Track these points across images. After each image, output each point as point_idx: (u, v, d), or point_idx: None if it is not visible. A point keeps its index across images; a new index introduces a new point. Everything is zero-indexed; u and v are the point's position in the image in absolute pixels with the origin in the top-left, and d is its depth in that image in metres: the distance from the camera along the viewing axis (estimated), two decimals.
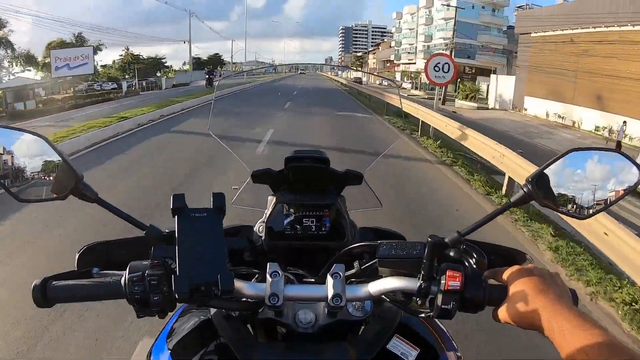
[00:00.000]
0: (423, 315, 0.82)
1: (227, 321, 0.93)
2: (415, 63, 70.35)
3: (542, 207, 0.86)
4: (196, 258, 0.77)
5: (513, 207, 0.88)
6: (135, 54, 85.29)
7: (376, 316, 0.95)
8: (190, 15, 63.68)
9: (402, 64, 78.02)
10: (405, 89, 63.53)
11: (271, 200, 1.11)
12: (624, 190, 0.84)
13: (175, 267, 0.76)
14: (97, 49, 67.10)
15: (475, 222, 0.86)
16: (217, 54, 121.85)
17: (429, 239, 0.79)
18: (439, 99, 16.39)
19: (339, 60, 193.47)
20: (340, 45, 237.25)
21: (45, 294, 0.79)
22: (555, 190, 0.85)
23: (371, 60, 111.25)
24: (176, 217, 0.81)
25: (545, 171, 0.84)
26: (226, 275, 0.76)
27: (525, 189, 0.84)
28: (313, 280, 0.99)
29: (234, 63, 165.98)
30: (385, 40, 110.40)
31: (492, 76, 40.80)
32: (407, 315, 0.95)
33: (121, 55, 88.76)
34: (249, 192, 1.27)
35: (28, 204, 0.91)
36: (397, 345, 0.91)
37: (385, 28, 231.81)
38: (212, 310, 0.97)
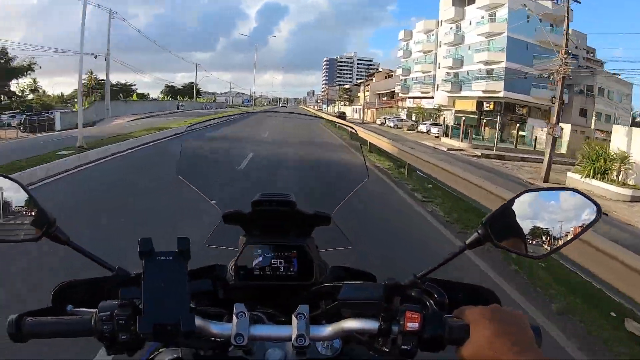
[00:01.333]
0: (389, 357, 0.83)
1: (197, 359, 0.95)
2: (432, 97, 52.03)
3: (496, 247, 0.87)
4: (160, 299, 0.80)
5: (468, 249, 0.89)
6: (100, 78, 73.97)
7: (345, 355, 0.97)
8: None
9: (412, 97, 59.58)
10: (423, 133, 44.55)
11: (242, 240, 1.13)
12: (581, 227, 0.86)
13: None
14: (27, 69, 51.62)
15: (431, 266, 0.89)
16: (192, 82, 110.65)
17: (386, 282, 0.83)
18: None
19: (322, 94, 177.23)
20: (325, 77, 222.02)
21: (20, 329, 0.82)
22: (510, 232, 0.87)
23: (362, 94, 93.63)
24: (143, 259, 0.83)
25: (500, 213, 0.87)
26: (187, 316, 0.78)
27: (479, 232, 0.86)
28: (283, 319, 0.99)
29: (210, 93, 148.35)
30: (380, 70, 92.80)
31: (616, 127, 22.46)
32: (374, 355, 0.95)
33: (85, 80, 78.82)
34: (224, 230, 1.23)
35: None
36: None
37: (371, 61, 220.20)
38: (183, 349, 0.96)
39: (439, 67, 50.93)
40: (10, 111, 45.36)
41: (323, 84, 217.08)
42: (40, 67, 51.26)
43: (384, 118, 58.98)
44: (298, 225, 1.15)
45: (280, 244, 1.11)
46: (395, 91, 66.22)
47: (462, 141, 33.52)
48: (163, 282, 0.81)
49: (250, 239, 1.12)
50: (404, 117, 58.76)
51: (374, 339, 0.84)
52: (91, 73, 76.23)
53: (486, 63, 40.84)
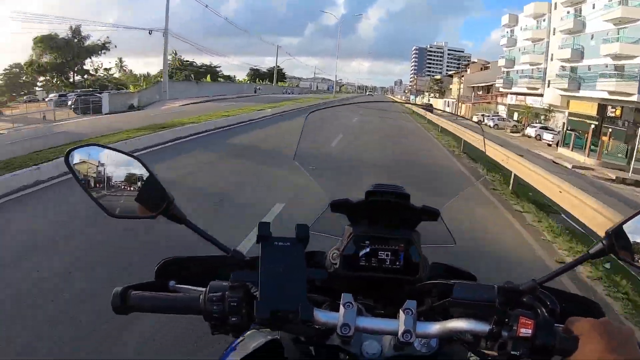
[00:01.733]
0: (490, 358, 0.84)
1: (295, 344, 0.95)
2: (541, 95, 44.99)
3: (618, 260, 0.87)
4: (277, 285, 0.81)
5: (590, 259, 0.90)
6: (185, 59, 79.35)
7: (443, 354, 0.94)
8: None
9: (515, 93, 52.23)
10: (531, 138, 38.52)
11: (348, 230, 1.12)
12: None
13: (255, 291, 0.82)
14: (103, 47, 52.27)
15: (552, 271, 0.89)
16: (279, 66, 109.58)
17: (505, 284, 0.82)
18: None
19: (410, 84, 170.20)
20: (413, 67, 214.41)
21: (125, 302, 0.85)
22: (630, 245, 0.86)
23: (455, 86, 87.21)
24: (261, 244, 0.86)
25: (625, 225, 0.86)
26: (306, 305, 0.79)
27: (603, 242, 0.86)
28: (382, 312, 1.00)
29: (296, 78, 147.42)
30: (475, 61, 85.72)
31: None
32: (473, 356, 0.96)
33: (169, 61, 79.85)
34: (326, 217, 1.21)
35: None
36: None
37: (462, 51, 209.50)
38: (281, 332, 0.98)
39: (551, 59, 43.69)
40: (79, 90, 44.77)
41: (411, 74, 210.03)
42: (116, 46, 50.74)
43: (482, 115, 52.72)
44: (406, 218, 1.13)
45: (389, 236, 1.09)
46: (496, 85, 58.67)
47: (587, 155, 27.17)
48: (280, 268, 0.83)
49: (358, 229, 1.10)
50: (504, 115, 52.61)
51: (478, 341, 0.84)
52: (175, 54, 77.96)
53: (615, 57, 32.77)
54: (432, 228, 1.19)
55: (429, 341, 0.92)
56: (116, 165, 0.94)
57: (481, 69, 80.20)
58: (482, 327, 0.80)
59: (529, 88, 47.75)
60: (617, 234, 0.85)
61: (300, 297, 0.80)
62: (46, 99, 35.96)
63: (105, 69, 57.17)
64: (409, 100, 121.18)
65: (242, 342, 1.02)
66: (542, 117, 43.78)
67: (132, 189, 0.93)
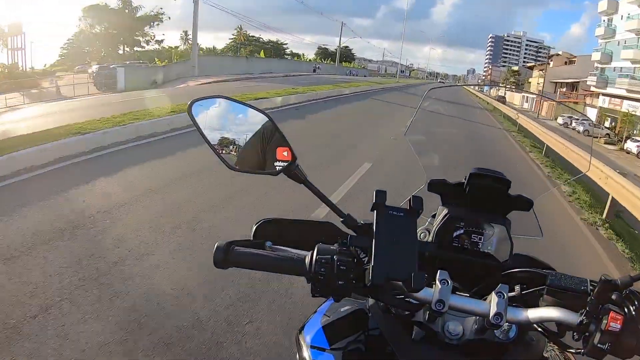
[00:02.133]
0: (573, 351, 0.85)
1: (385, 316, 0.98)
2: None
3: None
4: (391, 254, 0.82)
5: None
6: (250, 34, 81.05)
7: (521, 343, 0.95)
8: None
9: (609, 95, 45.67)
10: (630, 153, 32.92)
11: (442, 210, 1.15)
12: None
13: (364, 257, 0.86)
14: (154, 18, 50.08)
15: None
16: (347, 46, 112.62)
17: (602, 277, 0.81)
18: None
19: (484, 74, 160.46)
20: (488, 56, 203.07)
21: (227, 256, 0.88)
22: None
23: (534, 80, 79.74)
24: (375, 212, 0.87)
25: None
26: (418, 276, 0.80)
27: None
28: (467, 295, 0.97)
29: (365, 59, 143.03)
30: (560, 53, 77.46)
31: None
32: (550, 348, 1.00)
33: (233, 35, 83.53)
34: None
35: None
36: None
37: (541, 42, 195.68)
38: (370, 302, 1.02)
39: None
40: (130, 61, 42.79)
41: (486, 63, 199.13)
42: (169, 18, 48.07)
43: (569, 117, 46.63)
44: (500, 205, 1.13)
45: (483, 220, 1.11)
46: (588, 82, 51.31)
47: None
48: (394, 237, 0.84)
49: (454, 210, 1.13)
50: (592, 119, 46.17)
51: (563, 332, 0.86)
52: (240, 29, 79.81)
53: None
54: (523, 218, 1.19)
55: (509, 330, 0.93)
56: (241, 119, 0.95)
57: (566, 62, 72.82)
58: (572, 317, 0.81)
59: (629, 91, 41.10)
60: None
61: (412, 267, 0.81)
62: (89, 71, 33.78)
63: (157, 41, 54.77)
64: (482, 91, 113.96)
65: (331, 308, 1.07)
66: None
67: (256, 143, 0.94)
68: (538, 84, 76.55)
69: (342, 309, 1.07)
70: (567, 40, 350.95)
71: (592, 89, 49.94)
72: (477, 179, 1.11)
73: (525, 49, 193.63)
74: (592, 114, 48.50)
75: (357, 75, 78.82)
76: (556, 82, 68.17)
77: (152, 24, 46.30)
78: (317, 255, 0.83)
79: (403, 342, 0.93)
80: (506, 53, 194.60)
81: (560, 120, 47.60)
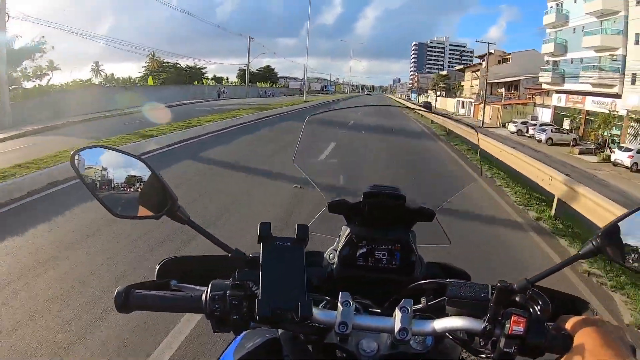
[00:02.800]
0: (484, 356, 0.85)
1: (294, 342, 0.98)
2: (618, 95, 29.88)
3: (607, 260, 0.89)
4: (278, 284, 0.84)
5: (581, 259, 0.89)
6: (165, 61, 78.29)
7: (437, 352, 0.96)
8: None
9: (565, 92, 37.22)
10: (619, 165, 24.47)
11: (345, 230, 1.15)
12: None
13: (256, 290, 0.85)
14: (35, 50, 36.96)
15: (543, 270, 0.88)
16: (269, 66, 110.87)
17: (498, 283, 0.82)
18: None
19: (410, 82, 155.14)
20: (413, 64, 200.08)
21: (128, 301, 0.86)
22: (625, 246, 0.86)
23: (467, 82, 72.32)
24: (261, 244, 0.88)
25: (616, 226, 0.87)
26: (305, 303, 0.81)
27: (593, 243, 0.86)
28: (379, 310, 0.99)
29: (290, 78, 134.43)
30: (493, 52, 70.21)
31: None
32: (466, 354, 1.00)
33: (147, 63, 79.96)
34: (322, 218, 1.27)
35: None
36: None
37: (464, 46, 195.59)
38: (280, 330, 1.01)
39: (635, 42, 28.93)
40: None
41: (411, 72, 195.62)
42: (53, 47, 36.04)
43: (523, 123, 37.94)
44: (401, 219, 1.15)
45: (385, 237, 1.12)
46: (541, 79, 42.43)
47: None
48: (281, 268, 0.86)
49: (355, 229, 1.13)
50: (545, 121, 37.72)
51: (472, 339, 0.87)
52: (153, 55, 75.89)
53: None
54: (429, 228, 1.21)
55: (425, 339, 0.94)
56: (121, 166, 0.95)
57: (499, 61, 65.72)
58: (476, 325, 0.82)
59: (595, 85, 32.32)
60: (608, 234, 0.85)
61: (300, 296, 0.82)
62: None
63: (38, 75, 41.65)
64: (410, 99, 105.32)
65: (242, 341, 1.04)
66: (627, 127, 28.45)
67: (136, 189, 0.95)
68: (472, 86, 69.06)
69: (254, 340, 1.03)
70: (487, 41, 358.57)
71: (545, 86, 41.42)
72: (372, 197, 1.12)
73: (450, 54, 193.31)
74: (546, 115, 40.15)
75: (272, 96, 71.70)
76: (492, 83, 60.72)
77: (32, 56, 33.81)
78: (210, 292, 0.83)
79: None
80: (430, 59, 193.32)
81: (512, 127, 38.57)
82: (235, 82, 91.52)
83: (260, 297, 0.81)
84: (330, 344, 0.92)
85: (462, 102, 65.90)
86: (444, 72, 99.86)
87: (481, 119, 48.53)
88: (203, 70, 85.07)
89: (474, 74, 68.81)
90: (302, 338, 0.96)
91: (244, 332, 1.03)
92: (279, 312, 0.80)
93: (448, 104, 72.72)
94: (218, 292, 0.83)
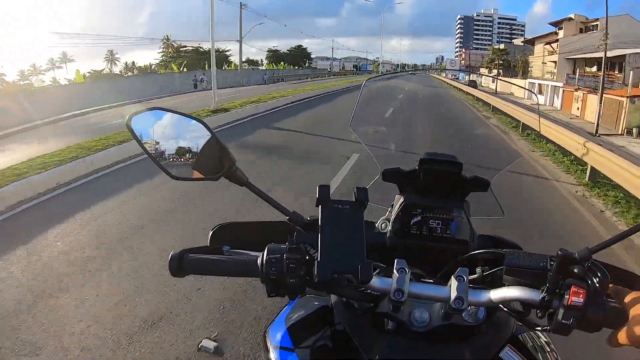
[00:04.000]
0: (539, 328, 0.84)
1: (347, 310, 0.98)
2: None
3: None
4: (337, 247, 0.83)
5: None
6: (181, 45, 75.32)
7: (489, 324, 0.95)
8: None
9: None
10: None
11: (398, 199, 1.14)
12: None
13: (314, 253, 0.84)
14: None
15: (605, 240, 0.86)
16: (300, 46, 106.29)
17: (559, 252, 0.81)
18: None
19: (458, 58, 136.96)
20: (459, 40, 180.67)
21: (182, 264, 0.88)
22: None
23: (537, 59, 55.56)
24: (320, 207, 0.88)
25: None
26: (366, 266, 0.81)
27: None
28: (432, 281, 0.99)
29: (328, 58, 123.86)
30: (573, 17, 52.97)
31: None
32: (519, 327, 0.99)
33: (161, 49, 77.03)
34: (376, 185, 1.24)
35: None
36: (510, 355, 0.94)
37: (514, 19, 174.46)
38: (333, 298, 1.02)
39: None
40: None
41: (457, 49, 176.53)
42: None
43: None
44: (456, 188, 1.13)
45: (440, 205, 1.10)
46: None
47: None
48: (340, 231, 0.85)
49: (409, 197, 1.11)
50: None
51: (528, 311, 0.85)
52: (167, 39, 73.92)
53: None
54: (482, 199, 1.20)
55: (477, 311, 0.93)
56: (179, 128, 0.96)
57: (581, 30, 49.12)
58: (534, 295, 0.81)
59: None
60: None
61: (359, 259, 0.81)
62: None
63: None
64: (457, 78, 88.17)
65: (294, 307, 1.06)
66: None
67: (195, 150, 0.95)
68: (544, 63, 52.61)
69: (306, 307, 1.05)
70: (532, 18, 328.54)
71: None
72: (428, 164, 1.10)
73: (498, 28, 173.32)
74: None
75: (282, 81, 57.22)
76: (575, 59, 44.43)
77: None
78: (267, 255, 0.83)
79: (367, 335, 0.92)
80: (477, 35, 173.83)
81: None
82: (268, 66, 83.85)
83: (319, 260, 0.80)
84: (383, 313, 0.92)
85: (539, 85, 48.65)
86: (502, 46, 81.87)
87: (575, 114, 32.65)
88: (227, 53, 79.51)
89: (547, 46, 52.18)
90: (356, 306, 0.96)
91: (297, 299, 1.03)
92: (338, 275, 0.80)
93: (514, 88, 56.12)
94: (275, 255, 0.82)
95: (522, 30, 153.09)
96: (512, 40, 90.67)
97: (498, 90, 51.15)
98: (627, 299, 0.77)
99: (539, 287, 0.81)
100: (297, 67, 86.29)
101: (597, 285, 0.77)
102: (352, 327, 0.94)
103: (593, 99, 32.10)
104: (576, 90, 36.23)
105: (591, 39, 43.94)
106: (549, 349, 1.03)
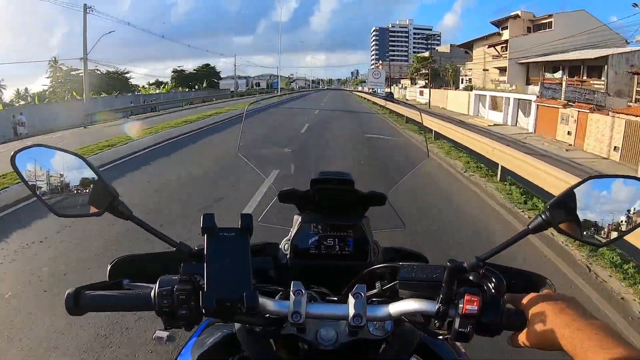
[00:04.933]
0: (441, 337, 0.85)
1: (251, 336, 0.97)
2: None
3: (558, 233, 0.87)
4: (223, 275, 0.83)
5: (531, 234, 0.88)
6: (72, 68, 64.05)
7: (396, 336, 0.97)
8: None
9: None
10: None
11: (297, 219, 1.15)
12: None
13: (203, 283, 0.83)
14: None
15: (494, 248, 0.87)
16: (208, 64, 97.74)
17: (448, 263, 0.82)
18: None
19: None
20: (374, 52, 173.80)
21: (78, 303, 0.85)
22: (573, 217, 0.86)
23: (475, 64, 44.71)
24: (205, 235, 0.87)
25: (564, 198, 0.86)
26: (251, 293, 0.81)
27: (542, 216, 0.86)
28: (336, 298, 1.01)
29: (240, 77, 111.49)
30: (520, 14, 42.33)
31: None
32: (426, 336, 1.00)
33: (50, 73, 67.31)
34: (276, 208, 1.26)
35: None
36: None
37: (430, 29, 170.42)
38: (237, 325, 1.01)
39: None
40: None
41: (372, 62, 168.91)
42: None
43: None
44: (353, 204, 1.15)
45: (337, 223, 1.11)
46: None
47: None
48: (226, 259, 0.84)
49: (306, 217, 1.13)
50: None
51: (428, 321, 0.86)
52: (55, 62, 65.73)
53: None
54: (385, 212, 1.20)
55: (384, 324, 0.94)
56: (61, 165, 0.94)
57: (529, 29, 39.31)
58: (430, 306, 0.82)
59: None
60: (557, 207, 0.84)
61: (245, 286, 0.81)
62: None
63: None
64: (375, 92, 75.98)
65: (200, 338, 1.05)
66: None
67: (78, 187, 0.94)
68: (486, 70, 41.86)
69: (213, 336, 1.04)
70: (444, 29, 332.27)
71: None
72: (320, 183, 1.11)
73: (414, 40, 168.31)
74: None
75: (154, 110, 42.87)
76: (527, 64, 34.35)
77: None
78: (158, 288, 0.82)
79: None
80: (394, 46, 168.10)
81: None
82: (169, 87, 75.33)
83: (205, 290, 0.80)
84: (289, 335, 0.92)
85: (491, 98, 36.27)
86: (425, 54, 70.98)
87: (565, 141, 21.48)
88: (126, 76, 73.46)
89: (489, 50, 41.48)
90: (259, 331, 0.95)
91: (201, 329, 1.04)
92: (225, 303, 0.79)
93: (453, 102, 44.03)
94: (166, 288, 0.81)
95: (437, 40, 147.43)
96: (436, 48, 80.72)
97: (433, 105, 39.35)
98: (524, 301, 0.78)
99: (435, 297, 0.82)
100: (198, 89, 74.28)
101: (493, 290, 0.79)
102: (256, 353, 0.93)
103: (601, 122, 20.59)
104: (564, 106, 24.51)
105: (545, 38, 34.22)
106: (458, 353, 1.04)
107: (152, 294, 0.83)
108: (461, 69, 53.67)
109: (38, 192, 0.93)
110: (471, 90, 41.04)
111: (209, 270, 0.82)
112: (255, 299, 0.80)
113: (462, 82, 51.71)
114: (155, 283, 0.83)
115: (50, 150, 0.95)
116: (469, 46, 48.36)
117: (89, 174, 0.93)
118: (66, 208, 0.93)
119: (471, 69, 47.18)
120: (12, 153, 0.92)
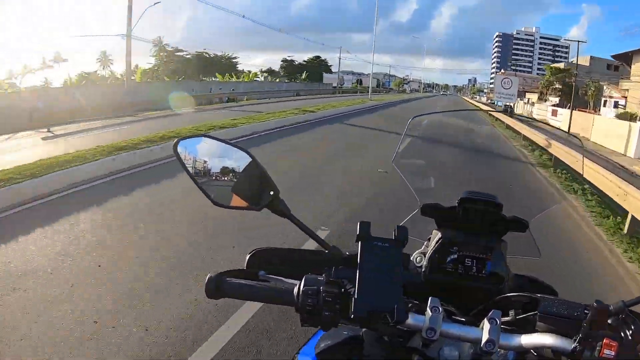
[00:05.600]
0: None
1: (378, 343, 0.97)
2: None
3: None
4: (375, 285, 0.84)
5: None
6: (177, 49, 67.41)
7: None
8: None
9: None
10: None
11: (436, 234, 1.14)
12: None
13: (350, 289, 0.85)
14: None
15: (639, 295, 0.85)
16: (319, 56, 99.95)
17: (594, 303, 0.80)
18: None
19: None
20: (495, 60, 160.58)
21: (219, 287, 0.88)
22: None
23: (637, 83, 34.50)
24: (360, 243, 0.88)
25: None
26: (402, 307, 0.81)
27: None
28: (464, 319, 0.96)
29: (354, 73, 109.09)
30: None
31: None
32: None
33: (153, 52, 67.48)
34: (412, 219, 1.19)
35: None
36: None
37: (557, 40, 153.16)
38: (365, 329, 1.01)
39: None
40: None
41: (492, 70, 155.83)
42: None
43: None
44: (494, 227, 1.13)
45: (477, 244, 1.09)
46: None
47: None
48: (378, 268, 0.85)
49: (447, 234, 1.11)
50: None
51: (557, 358, 0.84)
52: (160, 42, 65.66)
53: None
54: (519, 239, 1.18)
55: (507, 354, 0.93)
56: (224, 157, 0.98)
57: None
58: (566, 344, 0.80)
59: None
60: None
61: (396, 299, 0.82)
62: None
63: None
64: (493, 104, 66.59)
65: (324, 335, 1.05)
66: None
67: (237, 179, 0.98)
68: None
69: (337, 336, 1.04)
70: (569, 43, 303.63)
71: None
72: (469, 203, 1.10)
73: (540, 50, 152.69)
74: None
75: (232, 101, 37.77)
76: None
77: None
78: (304, 286, 0.83)
79: None
80: (517, 55, 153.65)
81: None
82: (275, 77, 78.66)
83: (356, 297, 0.81)
84: (413, 348, 0.92)
85: None
86: (561, 65, 60.02)
87: None
88: (234, 61, 74.83)
89: None
90: (386, 339, 0.95)
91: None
92: (374, 313, 0.80)
93: (603, 132, 29.57)
94: (312, 287, 0.82)
95: (565, 54, 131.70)
96: (571, 60, 68.87)
97: (561, 128, 30.23)
98: None
99: (571, 335, 0.80)
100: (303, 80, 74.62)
101: (630, 337, 0.78)
102: None
103: None
104: None
105: None
106: None
107: (295, 290, 0.84)
108: (604, 87, 43.07)
109: (197, 179, 0.96)
110: (633, 119, 29.32)
111: (361, 278, 0.83)
112: (405, 314, 0.80)
113: (603, 105, 41.30)
114: (300, 280, 0.84)
115: (214, 141, 0.98)
116: (625, 58, 37.33)
117: (252, 168, 0.95)
118: (224, 198, 0.96)
119: (627, 89, 36.61)
120: (175, 140, 0.95)
